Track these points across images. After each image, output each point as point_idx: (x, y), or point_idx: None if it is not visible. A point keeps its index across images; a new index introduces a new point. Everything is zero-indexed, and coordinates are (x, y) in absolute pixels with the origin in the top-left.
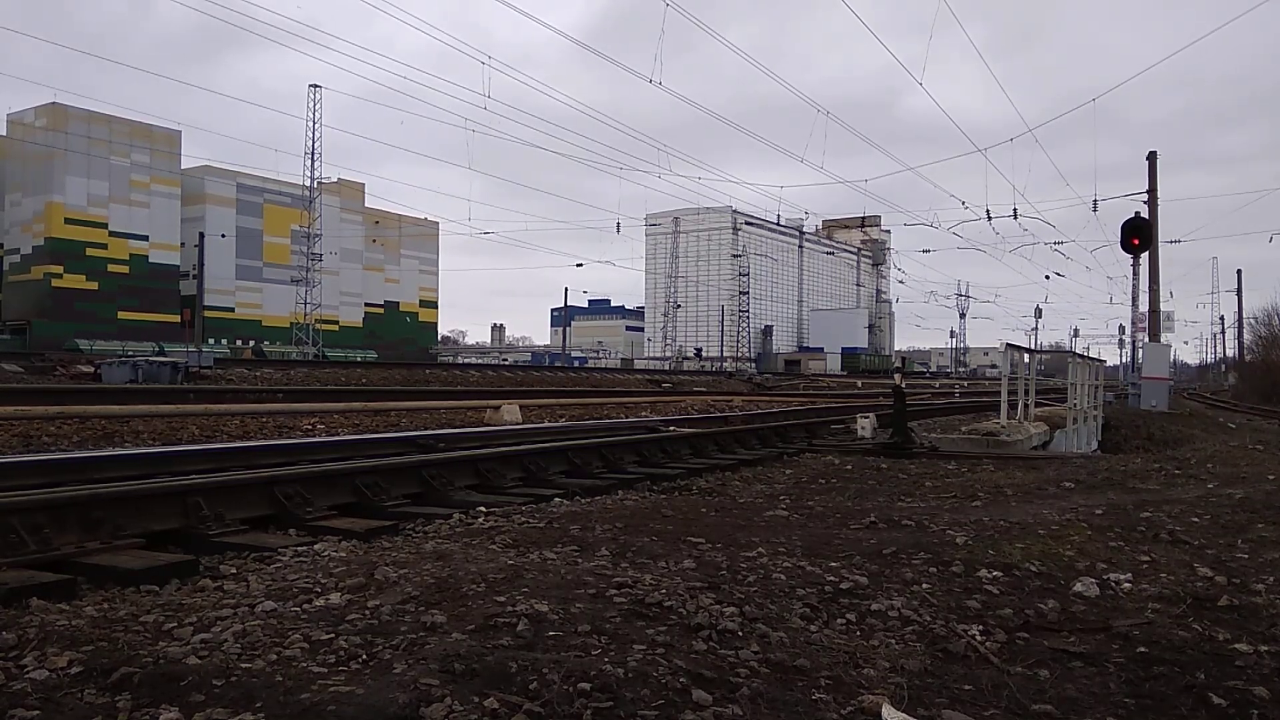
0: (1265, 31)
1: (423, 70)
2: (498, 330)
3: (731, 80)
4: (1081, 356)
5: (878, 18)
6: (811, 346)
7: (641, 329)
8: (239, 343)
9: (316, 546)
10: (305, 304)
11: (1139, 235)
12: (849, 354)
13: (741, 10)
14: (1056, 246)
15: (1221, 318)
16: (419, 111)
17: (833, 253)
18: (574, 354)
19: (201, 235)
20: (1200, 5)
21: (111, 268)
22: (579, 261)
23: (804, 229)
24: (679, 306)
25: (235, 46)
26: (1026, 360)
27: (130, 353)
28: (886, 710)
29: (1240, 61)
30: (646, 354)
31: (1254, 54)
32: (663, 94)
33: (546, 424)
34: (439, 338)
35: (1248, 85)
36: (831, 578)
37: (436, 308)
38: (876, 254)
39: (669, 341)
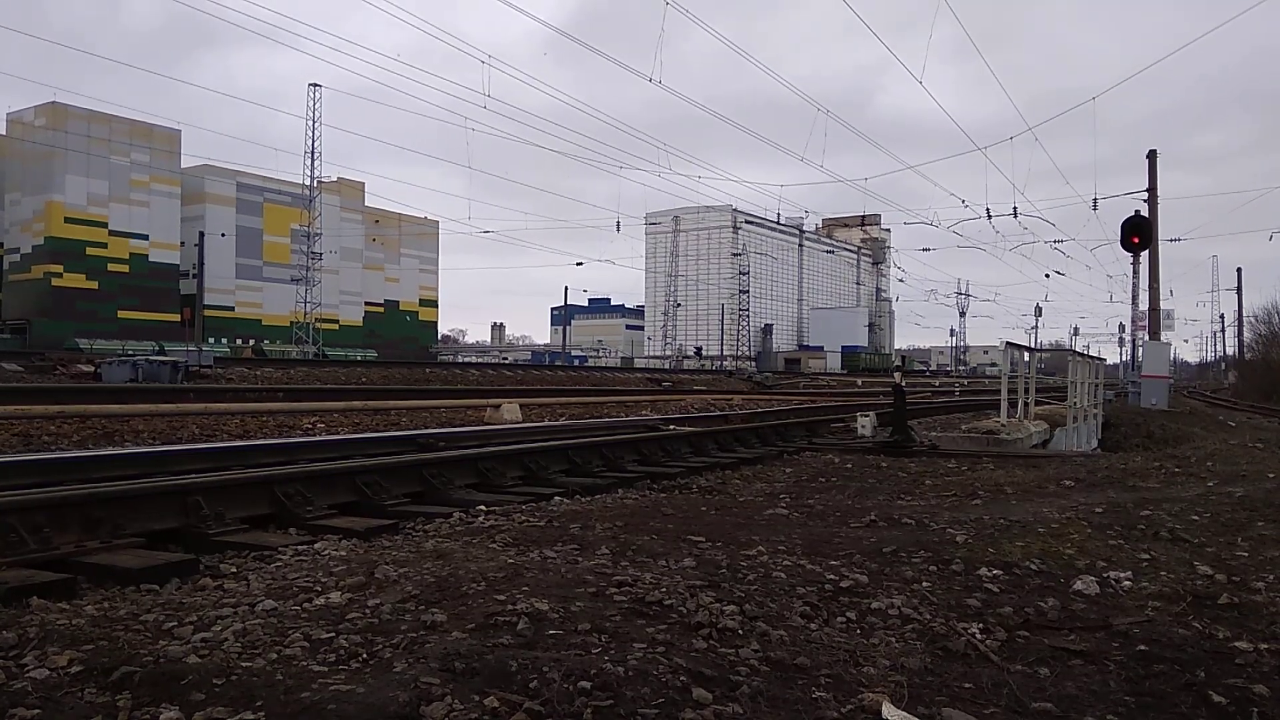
0: (1247, 34)
1: (405, 63)
2: (498, 329)
3: (702, 81)
4: (1081, 355)
5: (847, 19)
6: (812, 345)
7: (641, 328)
8: (239, 342)
9: (317, 545)
10: (305, 303)
11: (1139, 234)
12: (849, 352)
13: (707, 14)
14: (1056, 245)
15: (1221, 316)
16: (403, 107)
17: (832, 251)
18: (574, 353)
19: (201, 234)
20: (1171, 7)
21: (111, 267)
22: (579, 260)
23: (804, 227)
24: (679, 305)
25: (208, 45)
26: (1026, 359)
27: (130, 352)
28: (887, 708)
29: (1222, 62)
30: (646, 353)
31: (1238, 55)
32: (643, 92)
33: (546, 423)
34: (439, 337)
35: (1230, 86)
36: (832, 576)
37: (436, 307)
38: (876, 252)
39: (669, 340)
